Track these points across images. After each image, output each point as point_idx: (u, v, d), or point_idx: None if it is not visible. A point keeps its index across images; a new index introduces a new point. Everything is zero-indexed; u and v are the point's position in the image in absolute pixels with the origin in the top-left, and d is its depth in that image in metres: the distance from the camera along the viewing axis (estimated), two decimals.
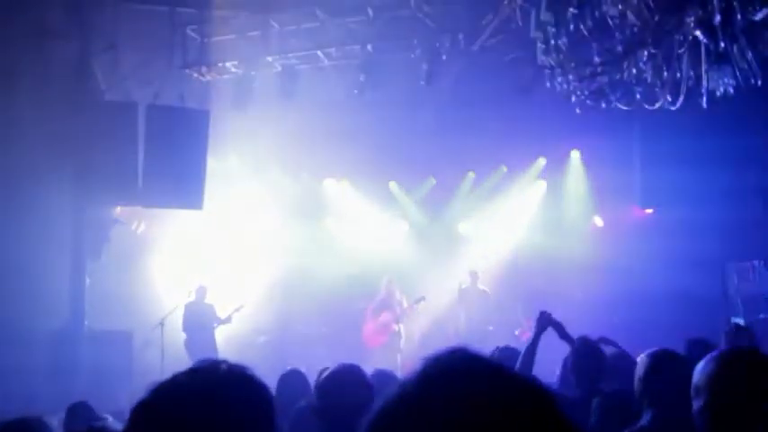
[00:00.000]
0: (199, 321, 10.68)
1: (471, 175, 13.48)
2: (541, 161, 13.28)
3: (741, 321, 9.93)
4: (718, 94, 6.02)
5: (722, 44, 5.42)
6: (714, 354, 2.54)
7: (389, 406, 0.90)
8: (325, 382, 2.99)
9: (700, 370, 2.46)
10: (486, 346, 10.82)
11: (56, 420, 4.44)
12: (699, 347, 4.51)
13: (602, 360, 4.64)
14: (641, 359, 3.40)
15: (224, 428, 1.49)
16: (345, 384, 2.92)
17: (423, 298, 11.61)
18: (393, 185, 13.56)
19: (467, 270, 12.16)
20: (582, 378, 4.53)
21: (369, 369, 5.38)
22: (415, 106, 10.87)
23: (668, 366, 3.22)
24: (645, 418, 3.08)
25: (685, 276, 11.24)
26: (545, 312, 5.09)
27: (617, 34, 5.69)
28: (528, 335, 11.05)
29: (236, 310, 11.07)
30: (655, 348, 3.53)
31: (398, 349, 11.28)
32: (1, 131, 8.78)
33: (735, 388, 2.36)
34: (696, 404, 2.43)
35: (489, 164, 13.18)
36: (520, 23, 8.97)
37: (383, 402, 0.91)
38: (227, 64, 10.09)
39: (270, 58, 9.89)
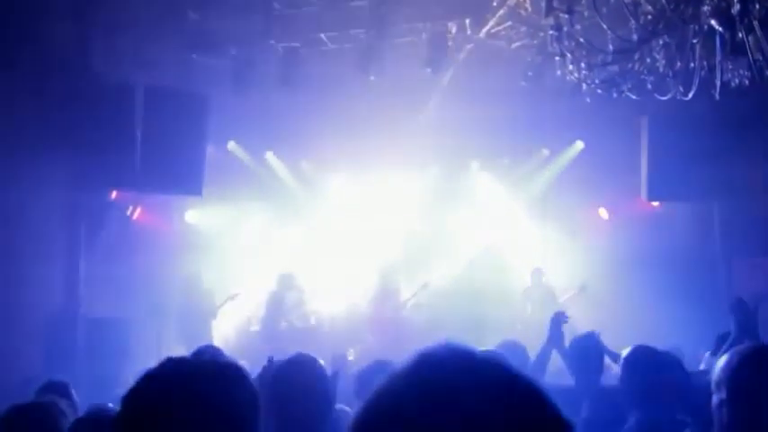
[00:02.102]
0: (195, 308, 10.72)
1: (474, 164, 13.50)
2: (545, 152, 13.30)
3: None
4: (732, 85, 6.03)
5: (740, 34, 5.42)
6: (735, 349, 2.57)
7: (379, 398, 0.90)
8: (279, 371, 2.96)
9: (720, 364, 2.49)
10: (483, 341, 11.00)
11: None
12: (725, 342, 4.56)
13: (601, 354, 4.71)
14: (621, 358, 3.45)
15: (205, 419, 1.52)
16: (299, 375, 2.90)
17: (427, 284, 11.64)
18: (393, 174, 13.57)
19: (464, 262, 12.23)
20: (580, 371, 4.58)
21: (367, 361, 5.41)
22: (418, 93, 10.86)
23: (646, 364, 3.28)
24: (631, 420, 3.12)
25: (691, 271, 11.29)
26: (560, 314, 5.15)
27: (631, 22, 5.69)
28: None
29: (231, 298, 11.11)
30: (633, 345, 3.59)
31: (398, 340, 11.31)
32: None
33: (755, 382, 2.39)
34: (716, 398, 2.46)
35: (493, 153, 13.21)
36: (529, 9, 8.98)
37: (373, 394, 0.91)
38: (228, 46, 10.04)
39: (272, 42, 9.84)
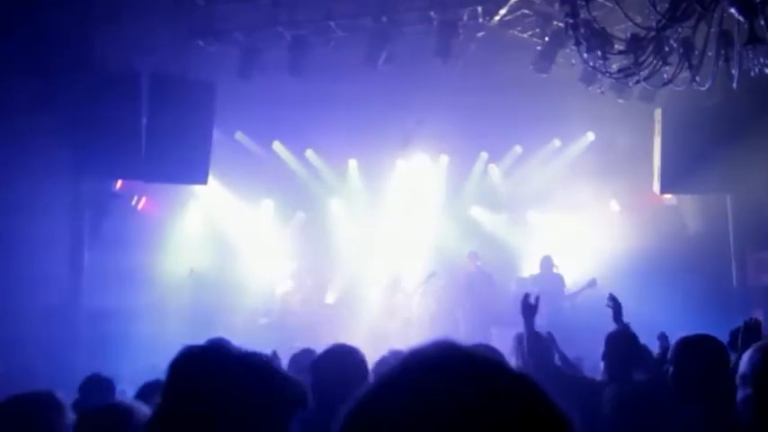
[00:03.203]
0: (203, 302, 10.72)
1: (484, 154, 13.46)
2: (556, 142, 13.25)
3: (761, 314, 9.94)
4: (752, 74, 5.96)
5: (761, 22, 5.35)
6: (762, 343, 2.54)
7: (369, 397, 0.89)
8: (321, 359, 3.01)
9: (746, 359, 2.46)
10: (494, 331, 10.99)
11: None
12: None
13: (634, 350, 4.59)
14: (676, 345, 3.33)
15: (239, 408, 1.52)
16: (341, 362, 2.93)
17: (434, 273, 11.64)
18: (401, 164, 13.54)
19: (467, 253, 12.18)
20: (612, 366, 4.50)
21: (381, 352, 5.38)
22: (428, 82, 10.79)
23: (707, 352, 3.16)
24: (685, 414, 3.03)
25: (703, 265, 11.24)
26: (527, 296, 5.00)
27: (648, 10, 5.64)
28: (540, 322, 11.12)
29: (235, 294, 11.08)
30: (691, 333, 3.46)
31: (407, 333, 11.31)
32: None
33: None
34: (741, 393, 2.44)
35: (503, 144, 13.16)
36: None
37: (362, 393, 0.90)
38: (235, 33, 9.98)
39: (279, 28, 9.78)
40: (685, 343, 3.23)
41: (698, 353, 3.13)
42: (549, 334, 5.63)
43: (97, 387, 4.32)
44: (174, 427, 1.61)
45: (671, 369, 3.14)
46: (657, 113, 10.87)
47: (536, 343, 4.80)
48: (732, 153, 10.12)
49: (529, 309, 4.96)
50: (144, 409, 3.30)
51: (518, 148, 13.32)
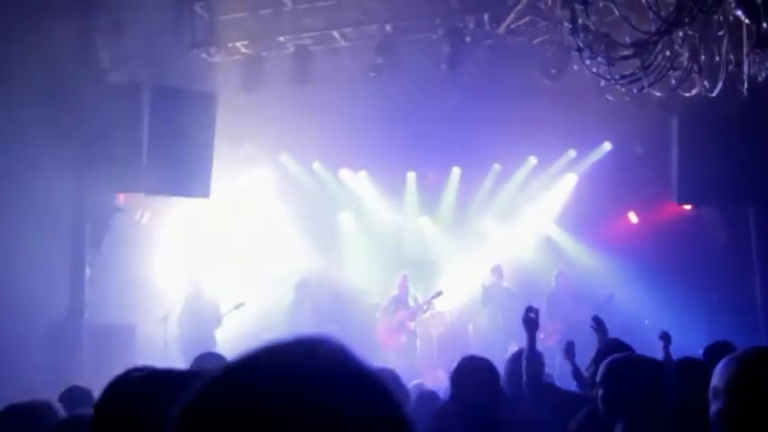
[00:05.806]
0: (196, 316, 10.68)
1: (497, 167, 13.40)
2: (572, 153, 13.17)
3: None
4: (759, 79, 5.91)
5: (765, 25, 5.31)
6: (734, 354, 2.49)
7: (211, 388, 0.87)
8: None
9: (719, 371, 2.41)
10: (509, 349, 10.89)
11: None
12: (718, 350, 4.47)
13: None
14: (604, 367, 3.29)
15: None
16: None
17: (440, 292, 11.57)
18: (411, 176, 13.52)
19: (490, 266, 12.08)
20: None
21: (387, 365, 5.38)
22: (436, 92, 10.80)
23: (630, 369, 3.14)
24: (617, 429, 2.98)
25: (725, 278, 11.08)
26: (530, 309, 4.82)
27: (651, 14, 5.61)
28: (555, 338, 11.03)
29: (236, 307, 11.01)
30: (621, 354, 3.43)
31: (414, 350, 11.27)
32: None
33: (756, 390, 2.31)
34: (714, 407, 2.39)
35: (517, 155, 13.09)
36: (549, 3, 8.92)
37: (207, 380, 0.88)
38: (237, 44, 10.08)
39: (282, 39, 9.86)
40: (612, 364, 3.21)
41: (626, 373, 3.12)
42: (570, 344, 5.70)
43: (75, 398, 4.46)
44: None
45: (599, 391, 3.12)
46: (674, 121, 10.78)
47: (535, 360, 4.66)
48: (753, 162, 10.00)
49: (531, 323, 4.83)
50: (60, 410, 3.43)
51: (532, 159, 13.25)
